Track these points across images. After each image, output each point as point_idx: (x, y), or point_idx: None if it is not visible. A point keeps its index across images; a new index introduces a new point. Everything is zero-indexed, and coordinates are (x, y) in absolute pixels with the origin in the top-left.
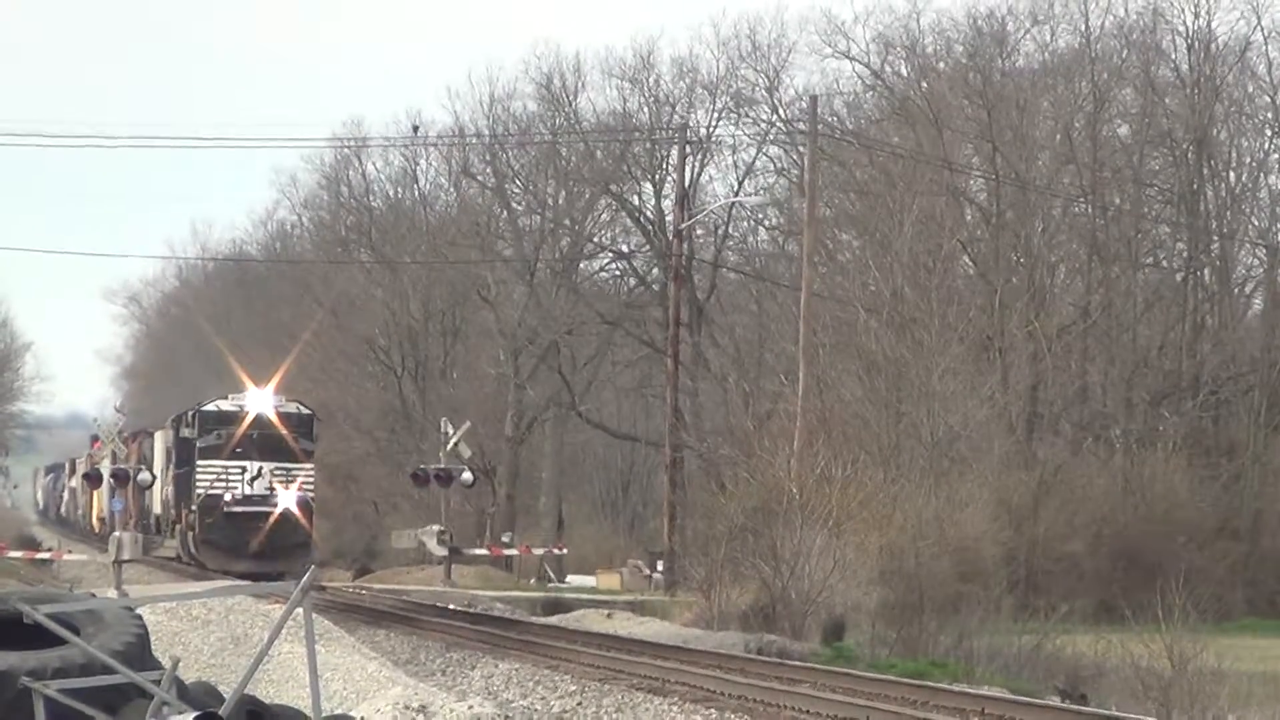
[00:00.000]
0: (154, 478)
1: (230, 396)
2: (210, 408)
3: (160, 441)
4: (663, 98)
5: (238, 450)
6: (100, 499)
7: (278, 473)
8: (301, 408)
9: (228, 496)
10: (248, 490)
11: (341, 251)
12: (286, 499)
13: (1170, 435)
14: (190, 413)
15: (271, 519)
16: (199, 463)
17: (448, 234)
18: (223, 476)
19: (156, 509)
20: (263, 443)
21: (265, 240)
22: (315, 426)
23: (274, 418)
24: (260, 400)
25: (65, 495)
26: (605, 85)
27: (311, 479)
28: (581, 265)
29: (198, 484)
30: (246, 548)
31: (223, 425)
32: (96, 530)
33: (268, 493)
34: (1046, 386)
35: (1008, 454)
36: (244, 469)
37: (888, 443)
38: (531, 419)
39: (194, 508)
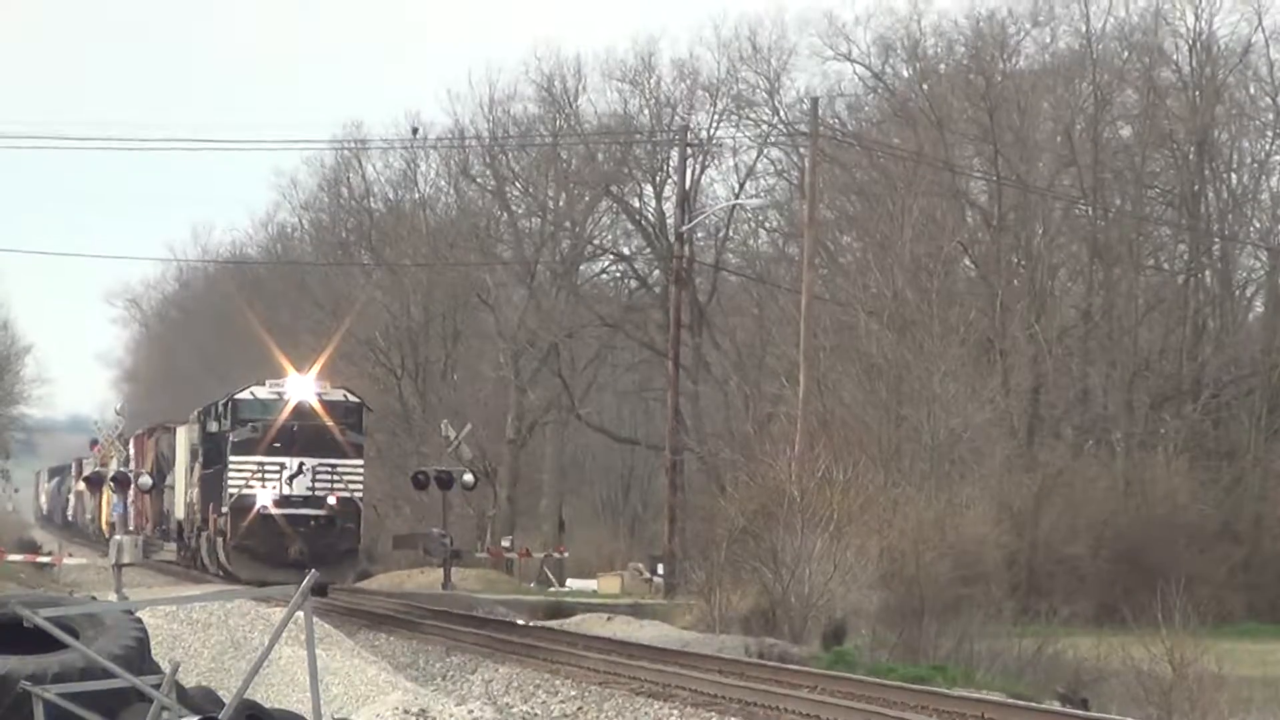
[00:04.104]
0: (153, 481)
1: (267, 383)
2: (244, 396)
3: (184, 438)
4: (663, 99)
5: (276, 444)
6: (110, 503)
7: (321, 470)
8: (349, 395)
9: (264, 497)
10: (287, 490)
11: (342, 254)
12: (331, 500)
13: (1171, 438)
14: (221, 403)
15: (314, 523)
16: (231, 459)
17: (448, 236)
18: (258, 474)
19: (179, 512)
20: (304, 436)
21: (265, 242)
22: (365, 417)
23: (317, 407)
24: (301, 387)
25: (71, 499)
26: (606, 87)
27: (360, 477)
28: (582, 268)
29: (230, 483)
30: (285, 555)
31: (258, 416)
32: (108, 535)
33: (310, 493)
34: (1047, 389)
35: (1009, 457)
36: (283, 466)
37: (888, 446)
38: (532, 422)
39: (225, 510)
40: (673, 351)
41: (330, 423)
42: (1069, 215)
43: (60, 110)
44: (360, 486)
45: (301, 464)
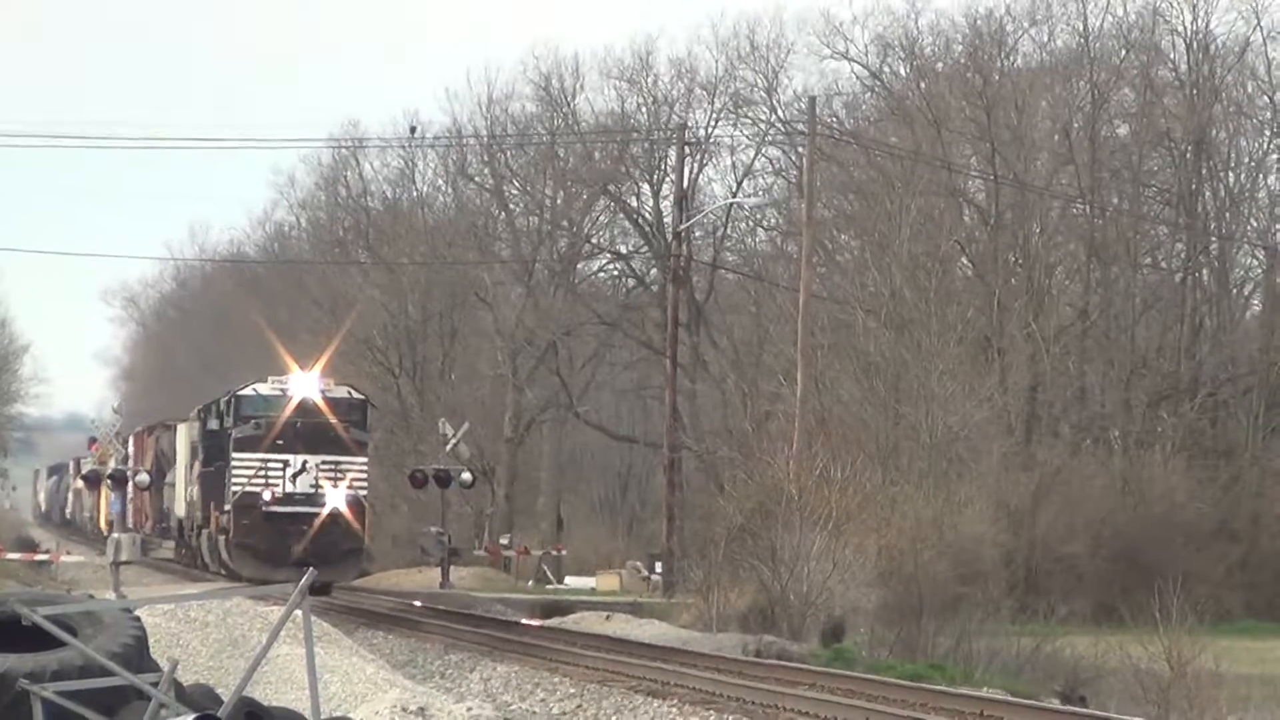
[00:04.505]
0: (151, 479)
1: (270, 379)
2: (247, 392)
3: (184, 435)
4: (661, 98)
5: (279, 441)
6: (109, 501)
7: (325, 467)
8: (353, 392)
9: (267, 495)
10: (290, 488)
11: (339, 252)
12: (335, 498)
13: (1169, 437)
14: (223, 399)
15: (318, 521)
16: (234, 456)
17: (446, 235)
18: (261, 472)
19: (179, 510)
20: (308, 432)
21: (263, 241)
22: (369, 414)
23: (321, 404)
24: (305, 384)
25: (69, 497)
26: (604, 86)
27: (364, 475)
28: (579, 266)
29: (232, 480)
30: (288, 554)
31: (261, 413)
32: (106, 533)
33: (313, 490)
34: (1045, 388)
35: (1006, 455)
36: (286, 463)
37: (886, 444)
38: (530, 420)
39: (227, 508)
40: (670, 350)
41: (334, 420)
42: (1066, 214)
43: (60, 110)
44: (365, 484)
45: (305, 461)
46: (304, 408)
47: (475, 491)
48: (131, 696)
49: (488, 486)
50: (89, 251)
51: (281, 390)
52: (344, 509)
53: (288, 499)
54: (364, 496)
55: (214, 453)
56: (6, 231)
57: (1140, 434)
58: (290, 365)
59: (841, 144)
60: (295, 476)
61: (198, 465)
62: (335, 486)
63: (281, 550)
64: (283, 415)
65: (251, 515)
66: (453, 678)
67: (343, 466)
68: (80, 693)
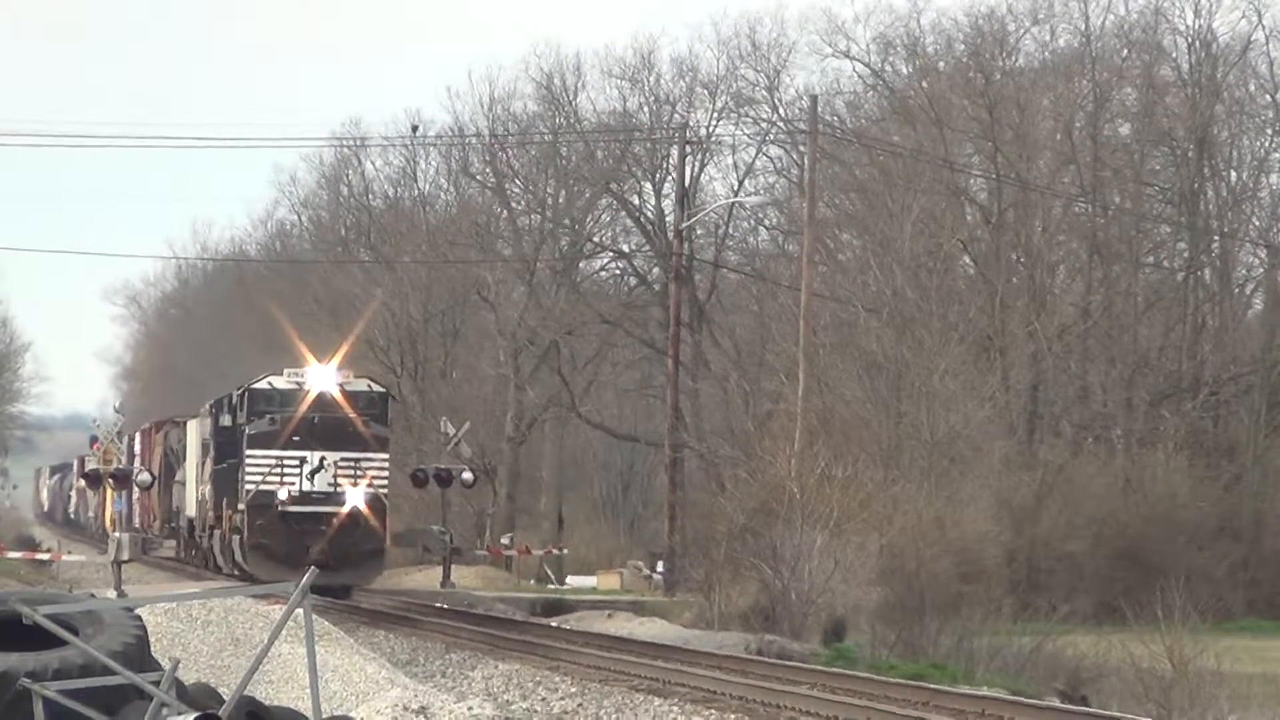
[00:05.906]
0: (154, 477)
1: (286, 372)
2: (261, 386)
3: (194, 432)
4: (663, 97)
5: (295, 438)
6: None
7: (344, 464)
8: (373, 385)
9: (283, 494)
10: (307, 486)
11: (341, 251)
12: (355, 497)
13: (1171, 436)
14: (237, 393)
15: (336, 521)
16: (247, 453)
17: (447, 234)
18: (277, 469)
19: (189, 510)
20: (325, 428)
21: (265, 240)
22: (390, 408)
23: (339, 397)
24: (322, 377)
25: (73, 496)
26: (605, 85)
27: (385, 472)
28: (581, 265)
29: (246, 479)
30: (305, 555)
31: (276, 407)
32: (111, 532)
33: (332, 489)
34: (1047, 387)
35: (1008, 454)
36: (303, 460)
37: (888, 443)
38: (531, 419)
39: (241, 508)
40: (672, 349)
41: (353, 414)
42: (1068, 213)
43: (61, 108)
44: (385, 482)
45: (323, 458)
46: (321, 402)
47: (477, 491)
48: (133, 695)
49: (489, 486)
50: (90, 250)
51: (297, 384)
52: (364, 508)
53: (305, 498)
54: (384, 495)
55: (226, 449)
56: (7, 231)
57: (1142, 433)
58: (306, 357)
59: (843, 143)
60: (313, 474)
61: (209, 463)
62: (355, 485)
63: (299, 551)
64: (299, 410)
65: (267, 515)
66: (454, 676)
67: (363, 464)
68: (82, 691)
